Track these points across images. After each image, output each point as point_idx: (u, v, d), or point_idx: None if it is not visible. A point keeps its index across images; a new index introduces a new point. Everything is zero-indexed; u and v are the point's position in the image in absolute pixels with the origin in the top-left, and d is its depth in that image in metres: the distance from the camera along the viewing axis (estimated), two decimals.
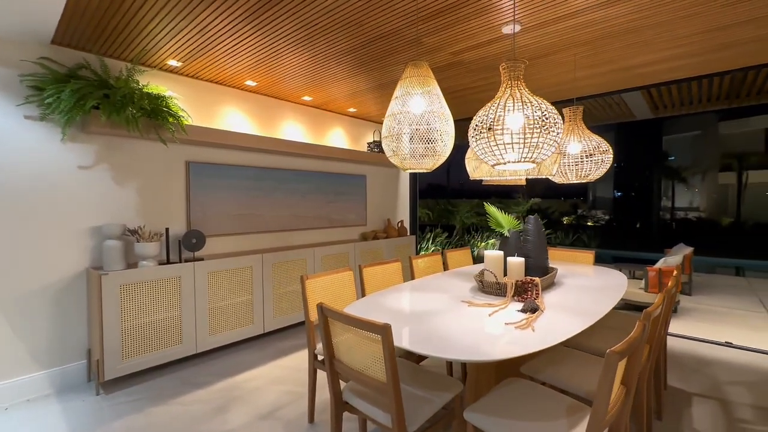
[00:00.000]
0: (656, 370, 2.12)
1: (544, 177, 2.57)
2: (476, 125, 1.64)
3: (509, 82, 1.63)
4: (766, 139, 14.96)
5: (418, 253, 5.60)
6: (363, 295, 2.41)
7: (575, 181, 2.76)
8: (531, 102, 1.55)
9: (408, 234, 5.14)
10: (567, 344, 2.05)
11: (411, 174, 5.54)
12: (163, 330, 2.71)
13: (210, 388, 2.55)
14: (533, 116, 1.50)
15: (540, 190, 15.83)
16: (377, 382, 1.38)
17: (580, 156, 2.63)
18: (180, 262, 2.89)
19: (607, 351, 1.08)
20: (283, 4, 2.06)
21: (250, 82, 3.35)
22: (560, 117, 1.58)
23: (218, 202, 3.40)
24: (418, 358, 2.24)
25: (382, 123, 5.06)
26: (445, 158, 2.01)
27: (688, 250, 5.14)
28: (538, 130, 1.50)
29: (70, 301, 2.59)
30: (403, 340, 1.48)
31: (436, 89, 1.93)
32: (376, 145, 4.70)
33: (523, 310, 1.82)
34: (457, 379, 1.68)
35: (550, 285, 2.34)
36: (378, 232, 4.78)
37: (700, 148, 17.00)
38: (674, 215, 17.84)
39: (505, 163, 1.58)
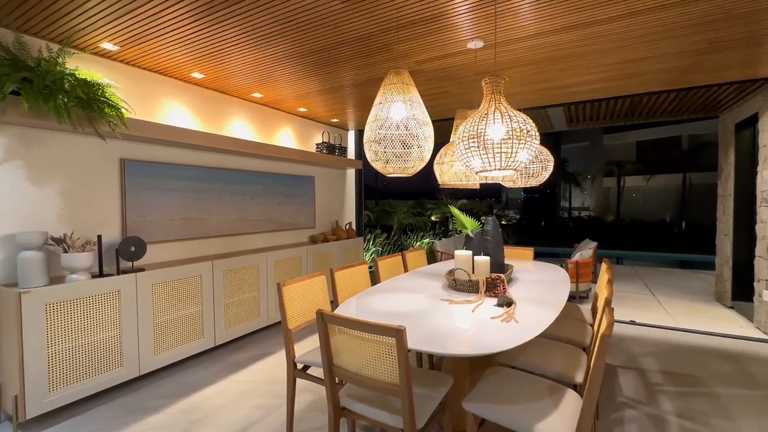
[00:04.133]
0: None
1: (500, 182, 2.81)
2: (463, 136, 1.75)
3: (492, 96, 1.78)
4: (637, 150, 18.15)
5: (363, 254, 5.64)
6: (335, 298, 2.39)
7: (522, 186, 3.07)
8: (515, 116, 1.71)
9: (356, 236, 5.15)
10: None
11: (357, 175, 5.57)
12: (99, 353, 2.35)
13: (165, 411, 2.28)
14: (519, 127, 1.66)
15: (461, 191, 17.01)
16: (388, 385, 1.40)
17: (530, 162, 2.94)
18: (117, 273, 2.54)
19: (601, 335, 1.26)
20: None
21: (196, 74, 3.07)
22: (536, 128, 1.77)
23: (159, 204, 3.05)
24: None
25: (330, 124, 5.01)
26: (425, 163, 2.10)
27: (594, 244, 5.99)
28: (521, 141, 1.67)
29: None
30: (409, 341, 1.51)
31: (417, 96, 2.01)
32: (326, 146, 4.63)
33: (500, 305, 1.99)
34: (445, 374, 1.77)
35: (508, 280, 2.57)
36: (327, 234, 4.72)
37: (589, 157, 19.92)
38: (571, 214, 20.64)
39: (491, 171, 1.71)
